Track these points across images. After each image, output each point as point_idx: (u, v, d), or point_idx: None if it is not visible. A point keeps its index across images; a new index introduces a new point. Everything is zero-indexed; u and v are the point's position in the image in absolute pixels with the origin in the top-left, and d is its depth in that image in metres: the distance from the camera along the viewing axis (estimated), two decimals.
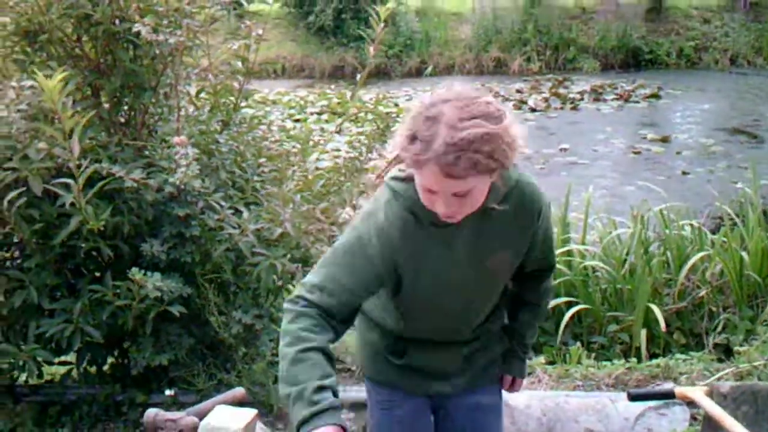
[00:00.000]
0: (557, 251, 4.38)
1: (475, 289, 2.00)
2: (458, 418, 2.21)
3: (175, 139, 2.94)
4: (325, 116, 11.35)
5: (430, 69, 15.53)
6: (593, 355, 3.97)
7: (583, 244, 4.62)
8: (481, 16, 16.00)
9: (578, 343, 4.02)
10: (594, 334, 4.33)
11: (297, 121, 10.86)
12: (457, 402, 2.19)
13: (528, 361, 2.32)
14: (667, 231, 4.60)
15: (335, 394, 1.71)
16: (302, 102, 12.43)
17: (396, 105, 11.66)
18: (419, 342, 2.10)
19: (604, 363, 3.84)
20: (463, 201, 1.76)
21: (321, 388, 1.70)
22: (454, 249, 1.91)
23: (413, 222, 1.88)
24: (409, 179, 1.84)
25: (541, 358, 3.83)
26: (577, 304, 4.25)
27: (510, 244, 1.95)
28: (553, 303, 4.13)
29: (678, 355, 3.80)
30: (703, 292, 4.29)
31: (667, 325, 4.07)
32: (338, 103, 11.88)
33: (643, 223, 4.61)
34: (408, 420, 2.17)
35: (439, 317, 2.05)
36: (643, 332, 4.05)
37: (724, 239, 4.40)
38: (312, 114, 11.66)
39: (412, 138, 1.71)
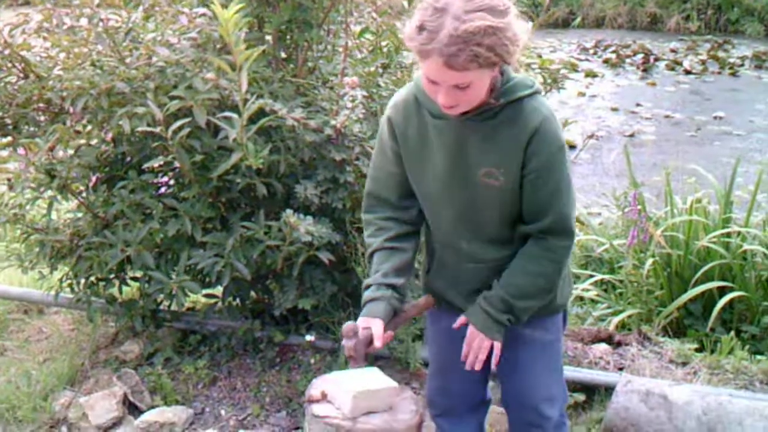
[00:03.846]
0: (717, 233, 4.11)
1: (466, 195, 2.02)
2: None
3: (347, 80, 2.83)
4: None
5: (578, 20, 14.90)
6: (746, 346, 3.71)
7: (746, 225, 4.29)
8: None
9: (731, 333, 3.76)
10: (745, 322, 4.05)
11: None
12: None
13: (503, 327, 2.07)
14: None
15: (384, 285, 2.04)
16: None
17: (539, 56, 11.24)
18: (443, 256, 2.19)
19: (758, 357, 3.59)
20: (463, 94, 1.83)
21: (367, 287, 2.08)
22: (446, 143, 1.98)
23: (414, 105, 2.01)
24: None
25: (692, 345, 3.60)
26: (731, 289, 3.97)
27: (500, 161, 1.95)
28: (703, 287, 3.88)
29: None
30: None
31: None
32: None
33: None
34: (453, 331, 2.16)
35: (441, 216, 2.11)
36: None
37: None
38: None
39: (420, 28, 1.77)
